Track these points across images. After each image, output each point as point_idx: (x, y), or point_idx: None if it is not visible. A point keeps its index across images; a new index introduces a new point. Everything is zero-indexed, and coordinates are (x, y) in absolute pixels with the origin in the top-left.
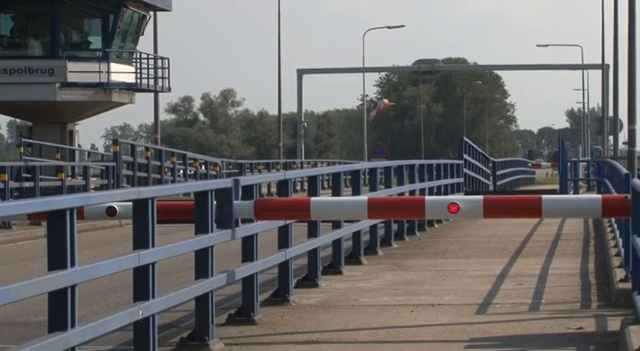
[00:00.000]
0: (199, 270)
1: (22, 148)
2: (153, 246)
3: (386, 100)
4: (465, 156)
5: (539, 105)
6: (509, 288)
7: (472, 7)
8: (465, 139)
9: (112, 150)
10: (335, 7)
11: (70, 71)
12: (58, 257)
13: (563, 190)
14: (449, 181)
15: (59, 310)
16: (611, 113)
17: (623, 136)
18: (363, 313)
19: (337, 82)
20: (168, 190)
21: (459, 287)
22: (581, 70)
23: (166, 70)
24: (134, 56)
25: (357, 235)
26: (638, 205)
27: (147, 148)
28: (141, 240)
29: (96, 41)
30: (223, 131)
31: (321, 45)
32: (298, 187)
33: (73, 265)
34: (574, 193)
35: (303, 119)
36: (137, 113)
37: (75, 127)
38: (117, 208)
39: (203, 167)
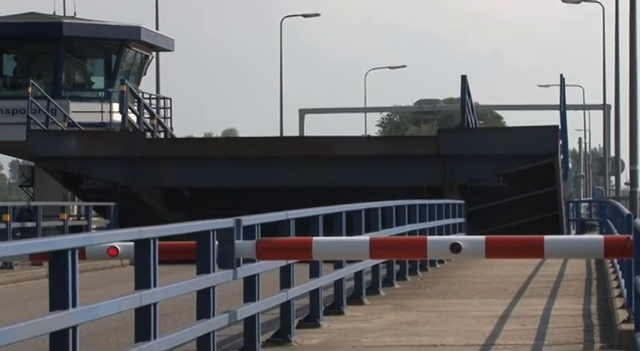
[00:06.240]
0: (201, 310)
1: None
2: (154, 286)
3: None
4: (467, 98)
5: None
6: (511, 329)
7: (473, 48)
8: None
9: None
10: (337, 47)
11: (72, 111)
12: (60, 297)
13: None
14: (450, 221)
15: None
16: (612, 153)
17: (625, 176)
18: None
19: (339, 121)
20: (170, 230)
21: (461, 328)
22: (582, 111)
23: (169, 110)
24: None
25: (358, 275)
26: None
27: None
28: (142, 280)
29: (98, 81)
30: None
31: (323, 85)
32: None
33: (74, 305)
34: (576, 234)
35: None
36: None
37: None
38: (118, 249)
39: None
